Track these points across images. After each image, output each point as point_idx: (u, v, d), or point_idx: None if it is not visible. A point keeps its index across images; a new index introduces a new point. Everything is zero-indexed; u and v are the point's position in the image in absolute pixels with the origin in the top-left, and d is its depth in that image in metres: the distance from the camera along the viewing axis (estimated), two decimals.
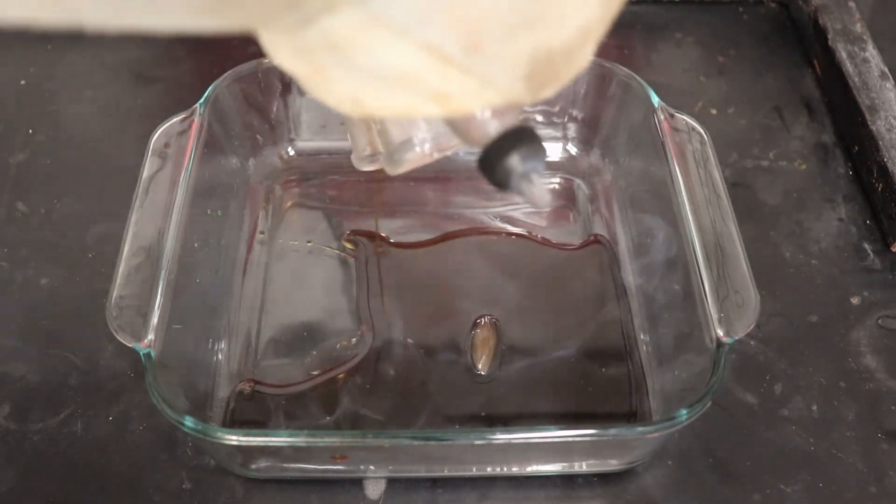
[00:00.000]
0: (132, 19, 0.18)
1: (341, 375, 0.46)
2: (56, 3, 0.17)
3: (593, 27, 0.26)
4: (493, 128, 0.29)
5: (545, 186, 0.30)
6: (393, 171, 0.37)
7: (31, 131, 0.59)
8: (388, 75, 0.24)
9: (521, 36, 0.24)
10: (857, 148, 0.57)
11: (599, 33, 0.27)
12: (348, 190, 0.56)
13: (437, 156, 0.36)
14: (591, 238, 0.53)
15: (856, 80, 0.58)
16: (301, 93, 0.54)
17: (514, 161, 0.28)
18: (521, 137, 0.29)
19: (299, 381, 0.46)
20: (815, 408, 0.46)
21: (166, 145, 0.46)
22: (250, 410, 0.45)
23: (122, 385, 0.46)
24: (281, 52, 0.24)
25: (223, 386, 0.45)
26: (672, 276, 0.46)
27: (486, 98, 0.26)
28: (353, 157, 0.41)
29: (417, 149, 0.35)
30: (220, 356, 0.46)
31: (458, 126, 0.30)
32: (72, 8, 0.18)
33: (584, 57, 0.27)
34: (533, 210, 0.55)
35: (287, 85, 0.54)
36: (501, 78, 0.25)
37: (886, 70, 0.59)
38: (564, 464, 0.43)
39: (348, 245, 0.51)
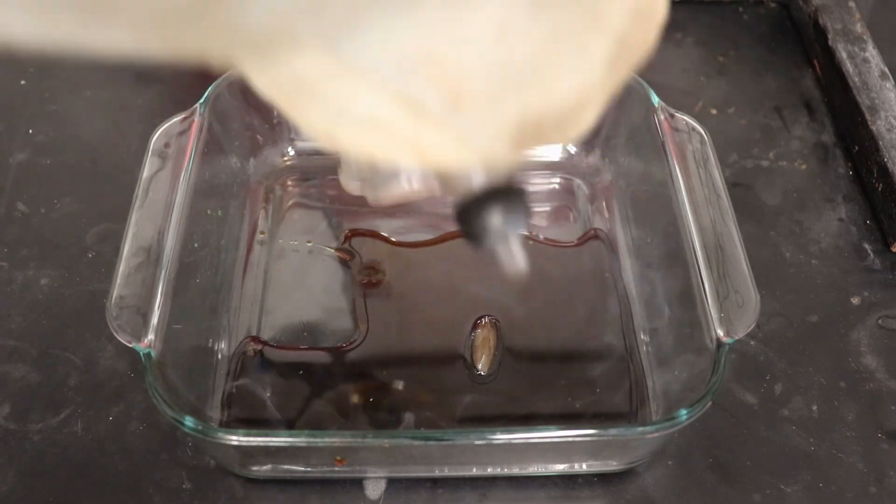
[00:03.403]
0: (72, 33, 0.16)
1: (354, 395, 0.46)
2: None
3: (591, 95, 0.24)
4: (477, 181, 0.27)
5: (522, 252, 0.28)
6: (374, 200, 0.35)
7: (31, 131, 0.58)
8: (361, 120, 0.22)
9: (507, 97, 0.22)
10: (857, 148, 0.57)
11: (599, 103, 0.24)
12: None
13: (423, 194, 0.34)
14: (591, 232, 0.53)
15: (856, 80, 0.58)
16: None
17: (495, 219, 0.26)
18: (506, 195, 0.26)
19: (305, 346, 0.47)
20: (815, 408, 0.46)
21: (166, 145, 0.46)
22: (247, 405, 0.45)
23: (122, 385, 0.46)
24: (256, 78, 0.23)
25: (223, 385, 0.45)
26: (672, 276, 0.46)
27: (464, 157, 0.24)
28: (341, 176, 0.39)
29: (404, 184, 0.33)
30: (220, 356, 0.46)
31: (440, 174, 0.28)
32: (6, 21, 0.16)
33: (579, 126, 0.25)
34: (533, 210, 0.55)
35: None
36: (482, 139, 0.23)
37: (886, 70, 0.59)
38: (564, 464, 0.43)
39: (345, 256, 0.51)
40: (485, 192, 0.27)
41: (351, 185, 0.38)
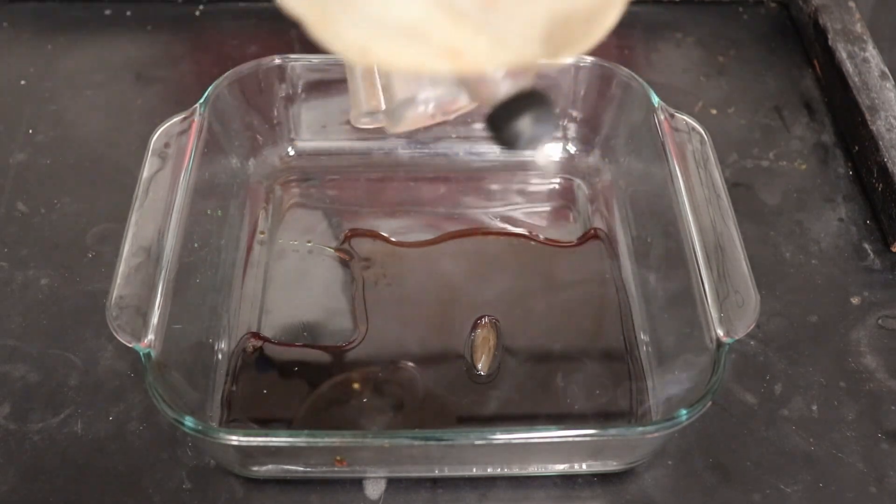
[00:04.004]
0: None
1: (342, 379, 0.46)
2: None
3: None
4: (505, 88, 0.28)
5: (550, 154, 0.30)
6: (393, 128, 0.36)
7: (31, 131, 0.58)
8: (397, 27, 0.23)
9: None
10: (857, 148, 0.57)
11: (621, 2, 0.26)
12: (348, 190, 0.56)
13: (439, 118, 0.35)
14: (591, 232, 0.53)
15: (856, 80, 0.58)
16: (302, 93, 0.54)
17: (524, 124, 0.28)
18: (532, 100, 0.28)
19: (305, 343, 0.47)
20: (815, 408, 0.46)
21: (166, 145, 0.46)
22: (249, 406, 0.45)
23: (122, 385, 0.46)
24: None
25: (223, 385, 0.45)
26: (672, 276, 0.46)
27: (498, 57, 0.25)
28: (351, 113, 0.39)
29: (421, 107, 0.34)
30: (220, 356, 0.46)
31: (468, 83, 0.29)
32: None
33: (606, 23, 0.26)
34: (533, 210, 0.55)
35: (287, 85, 0.54)
36: (515, 38, 0.24)
37: (886, 70, 0.59)
38: (565, 464, 0.43)
39: (344, 256, 0.51)
40: (511, 99, 0.28)
41: (362, 120, 0.39)
